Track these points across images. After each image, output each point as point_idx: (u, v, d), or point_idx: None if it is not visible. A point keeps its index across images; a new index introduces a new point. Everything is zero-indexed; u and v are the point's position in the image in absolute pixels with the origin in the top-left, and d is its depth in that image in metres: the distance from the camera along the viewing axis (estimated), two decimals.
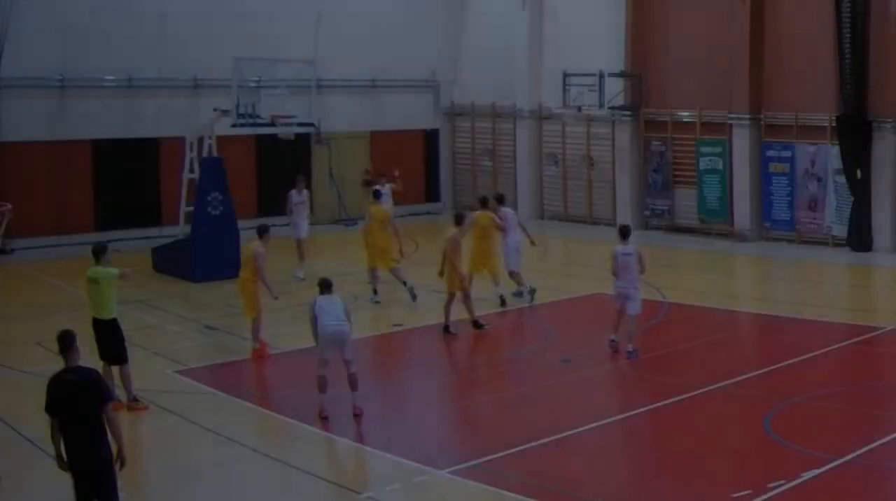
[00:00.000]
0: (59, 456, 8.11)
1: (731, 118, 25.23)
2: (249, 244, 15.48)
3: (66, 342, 8.13)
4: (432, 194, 32.05)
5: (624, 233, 14.91)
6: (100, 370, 12.31)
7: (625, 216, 27.63)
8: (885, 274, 21.57)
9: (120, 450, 8.10)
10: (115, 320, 12.52)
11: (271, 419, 12.28)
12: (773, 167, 24.80)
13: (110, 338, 12.45)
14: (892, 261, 22.33)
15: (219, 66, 24.03)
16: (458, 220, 16.74)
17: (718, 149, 25.67)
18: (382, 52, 29.75)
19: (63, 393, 7.92)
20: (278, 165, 28.03)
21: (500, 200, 19.25)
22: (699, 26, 25.90)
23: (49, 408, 7.98)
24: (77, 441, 7.92)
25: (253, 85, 23.06)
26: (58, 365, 8.30)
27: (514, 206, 30.23)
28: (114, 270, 12.50)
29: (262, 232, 15.41)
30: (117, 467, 8.14)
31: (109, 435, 8.05)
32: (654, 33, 26.98)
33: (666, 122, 26.74)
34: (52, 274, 21.64)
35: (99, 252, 12.52)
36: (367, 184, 23.06)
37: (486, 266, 18.08)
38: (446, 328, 16.21)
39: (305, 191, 22.24)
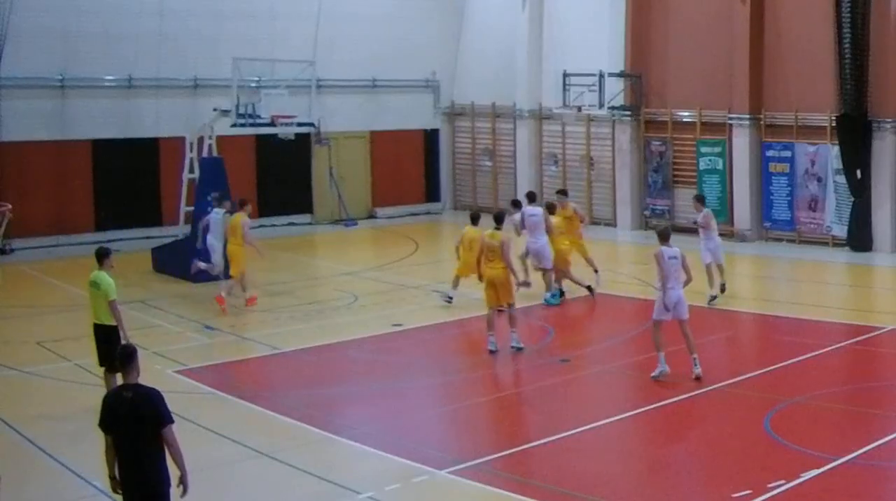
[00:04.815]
0: (111, 477, 7.63)
1: (731, 118, 25.23)
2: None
3: (125, 357, 7.70)
4: (432, 194, 32.03)
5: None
6: (102, 377, 12.35)
7: (625, 216, 27.69)
8: (885, 274, 21.56)
9: (183, 476, 7.56)
10: (115, 327, 12.21)
11: (271, 419, 12.26)
12: (773, 167, 24.80)
13: (111, 345, 12.29)
14: (892, 261, 22.32)
15: (219, 66, 24.04)
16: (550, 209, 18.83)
17: (718, 149, 25.67)
18: (382, 52, 29.74)
19: (119, 411, 7.47)
20: (278, 165, 28.08)
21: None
22: (699, 26, 25.88)
23: (102, 424, 7.54)
24: (131, 462, 7.42)
25: (253, 85, 23.05)
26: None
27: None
28: (112, 284, 12.14)
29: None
30: (179, 493, 7.62)
31: (168, 459, 7.59)
32: (654, 33, 26.96)
33: (666, 122, 26.73)
34: (52, 274, 21.62)
35: (102, 256, 12.35)
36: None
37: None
38: (590, 288, 19.00)
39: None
